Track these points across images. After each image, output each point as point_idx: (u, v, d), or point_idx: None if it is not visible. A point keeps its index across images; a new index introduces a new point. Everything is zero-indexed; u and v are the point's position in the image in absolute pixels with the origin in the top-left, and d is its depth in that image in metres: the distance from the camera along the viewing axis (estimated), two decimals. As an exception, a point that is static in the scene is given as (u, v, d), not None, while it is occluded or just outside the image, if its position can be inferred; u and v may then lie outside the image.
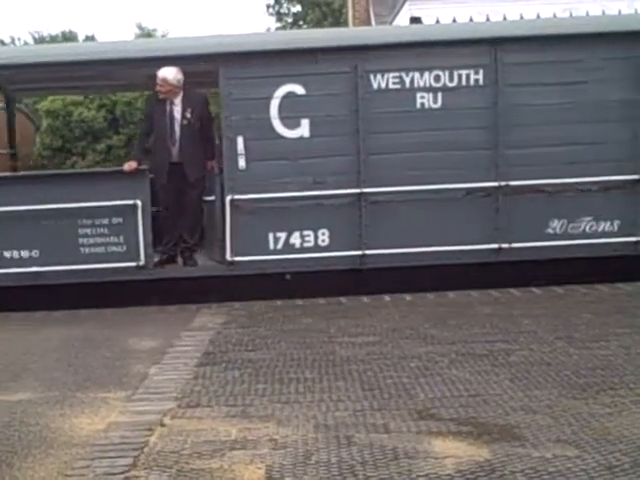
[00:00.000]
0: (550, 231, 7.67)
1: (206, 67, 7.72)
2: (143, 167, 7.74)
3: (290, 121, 7.59)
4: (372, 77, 7.57)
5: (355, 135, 7.59)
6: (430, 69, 7.56)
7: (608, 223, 7.67)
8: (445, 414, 4.02)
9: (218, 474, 3.36)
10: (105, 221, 7.66)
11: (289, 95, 7.57)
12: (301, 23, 34.10)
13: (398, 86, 7.59)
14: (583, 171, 7.59)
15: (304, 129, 7.60)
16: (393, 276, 7.61)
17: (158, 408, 4.30)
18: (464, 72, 7.58)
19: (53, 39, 29.52)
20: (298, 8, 35.09)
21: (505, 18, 10.59)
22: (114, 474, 3.42)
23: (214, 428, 3.93)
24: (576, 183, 7.62)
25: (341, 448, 3.58)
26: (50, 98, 17.97)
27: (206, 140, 7.93)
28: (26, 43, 33.15)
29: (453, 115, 7.58)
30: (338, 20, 29.00)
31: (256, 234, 7.62)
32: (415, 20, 13.60)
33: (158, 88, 7.67)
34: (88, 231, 7.66)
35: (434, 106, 7.60)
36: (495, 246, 7.64)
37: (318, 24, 29.62)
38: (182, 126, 7.72)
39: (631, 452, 3.41)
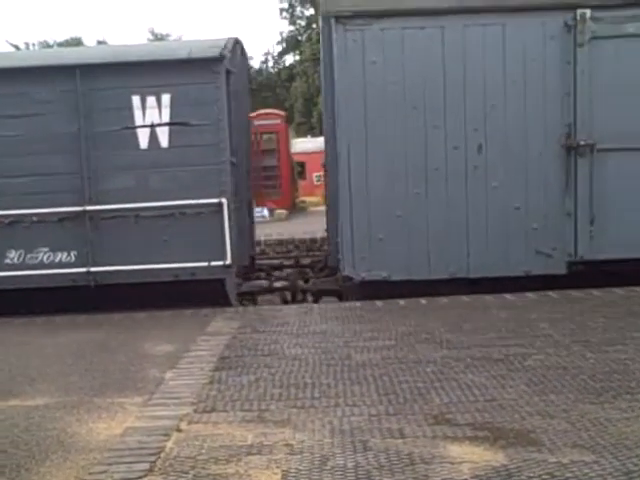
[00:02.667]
0: (8, 261, 7.79)
1: None
2: None
3: None
4: None
5: None
6: None
7: (65, 254, 7.78)
8: (461, 419, 4.01)
9: (234, 479, 3.37)
10: None
11: None
12: (314, 26, 34.13)
13: None
14: (38, 202, 7.69)
15: None
16: None
17: (174, 413, 4.32)
18: None
19: (60, 45, 29.71)
20: (312, 11, 35.14)
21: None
22: (131, 479, 3.44)
23: (230, 433, 3.94)
24: (32, 214, 7.72)
25: (357, 453, 3.58)
26: None
27: None
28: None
29: None
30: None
31: None
32: None
33: None
34: None
35: None
36: None
37: None
38: None
39: (649, 457, 3.39)
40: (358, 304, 7.34)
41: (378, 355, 5.39)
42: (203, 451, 3.71)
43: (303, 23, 36.63)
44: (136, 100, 7.70)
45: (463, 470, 3.34)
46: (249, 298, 8.45)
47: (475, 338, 5.76)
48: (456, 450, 3.58)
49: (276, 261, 10.25)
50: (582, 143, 7.51)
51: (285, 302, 8.44)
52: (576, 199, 7.59)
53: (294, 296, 8.45)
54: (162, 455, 3.69)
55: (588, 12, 7.46)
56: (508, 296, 7.35)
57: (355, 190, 7.62)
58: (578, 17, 7.45)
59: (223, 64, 7.75)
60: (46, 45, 30.81)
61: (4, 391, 5.02)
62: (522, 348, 5.40)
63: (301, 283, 8.77)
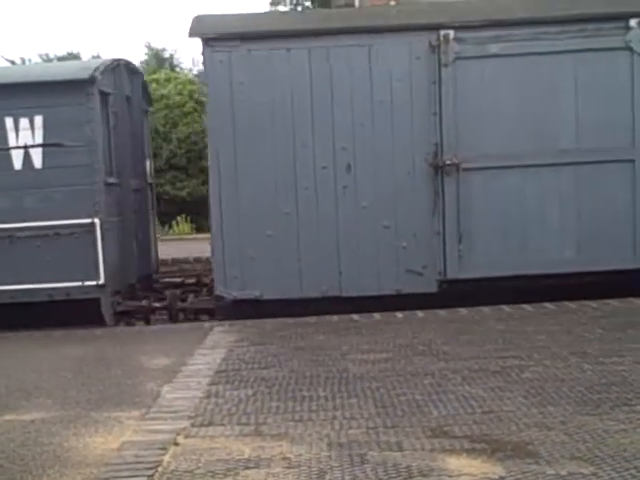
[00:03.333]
0: None
1: None
2: None
3: None
4: None
5: None
6: None
7: None
8: (459, 431, 4.00)
9: (232, 493, 3.36)
10: None
11: None
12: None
13: None
14: None
15: None
16: None
17: (171, 427, 4.31)
18: None
19: (60, 60, 29.78)
20: (308, 4, 35.02)
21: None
22: (128, 493, 3.43)
23: (227, 447, 3.93)
24: None
25: (355, 466, 3.57)
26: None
27: None
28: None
29: None
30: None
31: None
32: None
33: None
34: None
35: None
36: None
37: (324, 6, 29.13)
38: None
39: (647, 469, 3.39)
40: (355, 317, 7.34)
41: (375, 368, 5.39)
42: (200, 465, 3.70)
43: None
44: (9, 122, 7.81)
45: (461, 483, 3.33)
46: (139, 317, 8.47)
47: (472, 350, 5.76)
48: (454, 462, 3.57)
49: (178, 279, 10.28)
50: (448, 162, 7.58)
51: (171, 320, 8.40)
52: (444, 218, 7.66)
53: (172, 316, 8.43)
54: (159, 469, 3.67)
55: (452, 33, 7.54)
56: (505, 308, 7.36)
57: (226, 210, 7.67)
58: (442, 38, 7.53)
59: (95, 85, 7.85)
60: (47, 59, 30.92)
61: (0, 405, 5.00)
62: (519, 360, 5.40)
63: (187, 301, 8.71)
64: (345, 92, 7.60)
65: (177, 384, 5.28)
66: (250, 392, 4.94)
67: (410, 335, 6.41)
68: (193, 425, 4.33)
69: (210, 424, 4.33)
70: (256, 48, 7.58)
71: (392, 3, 15.94)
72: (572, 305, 7.33)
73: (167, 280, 10.33)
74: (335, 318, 7.32)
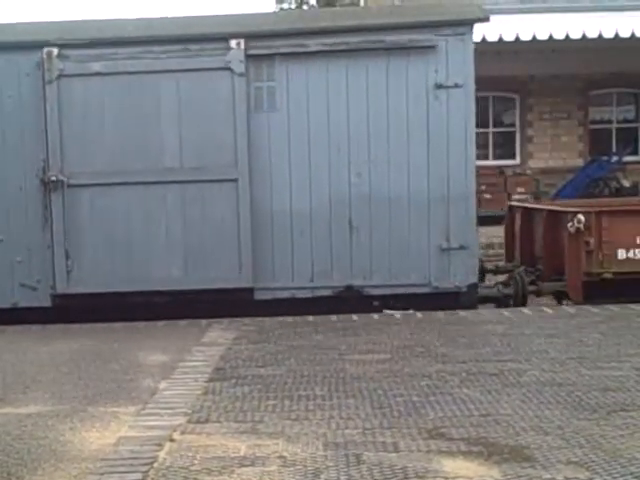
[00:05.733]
0: None
1: None
2: None
3: None
4: None
5: None
6: None
7: None
8: (455, 433, 4.00)
9: (227, 491, 3.36)
10: None
11: None
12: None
13: None
14: None
15: None
16: None
17: (168, 423, 4.31)
18: None
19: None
20: (313, 2, 34.96)
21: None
22: (123, 489, 3.42)
23: (223, 444, 3.93)
24: None
25: (350, 467, 3.57)
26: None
27: None
28: None
29: None
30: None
31: None
32: None
33: None
34: None
35: None
36: None
37: (329, 5, 28.92)
38: None
39: (643, 475, 3.39)
40: (354, 317, 7.33)
41: (373, 368, 5.38)
42: (196, 462, 3.70)
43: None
44: None
45: (457, 485, 3.33)
46: None
47: (470, 352, 5.76)
48: (450, 465, 3.57)
49: None
50: (54, 179, 7.64)
51: None
52: (52, 233, 7.73)
53: None
54: (155, 465, 3.67)
55: (55, 50, 7.59)
56: (504, 311, 7.36)
57: None
58: (45, 55, 7.59)
59: None
60: None
61: (-3, 398, 5.01)
62: (517, 363, 5.40)
63: None
64: None
65: (174, 380, 5.28)
66: (247, 390, 4.94)
67: (408, 336, 6.40)
68: (189, 422, 4.33)
69: (207, 421, 4.33)
70: None
71: (396, 2, 16.02)
72: (571, 310, 7.32)
73: None
74: (334, 317, 7.31)
